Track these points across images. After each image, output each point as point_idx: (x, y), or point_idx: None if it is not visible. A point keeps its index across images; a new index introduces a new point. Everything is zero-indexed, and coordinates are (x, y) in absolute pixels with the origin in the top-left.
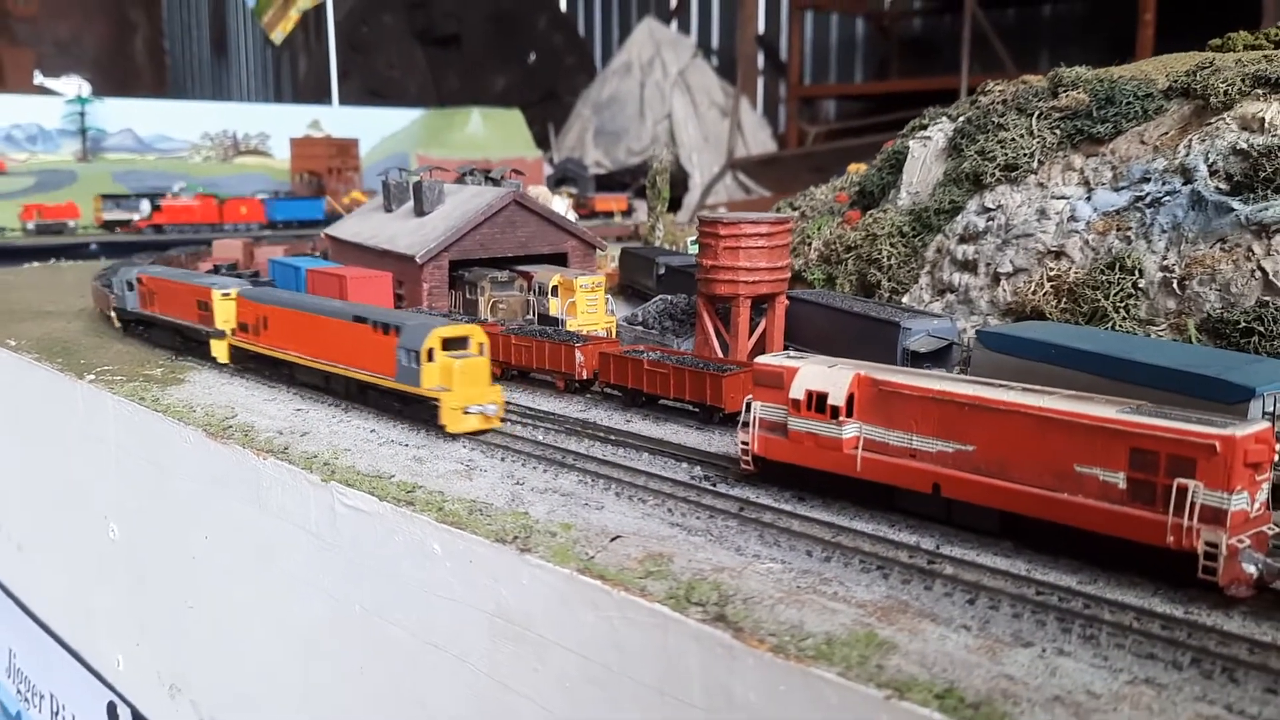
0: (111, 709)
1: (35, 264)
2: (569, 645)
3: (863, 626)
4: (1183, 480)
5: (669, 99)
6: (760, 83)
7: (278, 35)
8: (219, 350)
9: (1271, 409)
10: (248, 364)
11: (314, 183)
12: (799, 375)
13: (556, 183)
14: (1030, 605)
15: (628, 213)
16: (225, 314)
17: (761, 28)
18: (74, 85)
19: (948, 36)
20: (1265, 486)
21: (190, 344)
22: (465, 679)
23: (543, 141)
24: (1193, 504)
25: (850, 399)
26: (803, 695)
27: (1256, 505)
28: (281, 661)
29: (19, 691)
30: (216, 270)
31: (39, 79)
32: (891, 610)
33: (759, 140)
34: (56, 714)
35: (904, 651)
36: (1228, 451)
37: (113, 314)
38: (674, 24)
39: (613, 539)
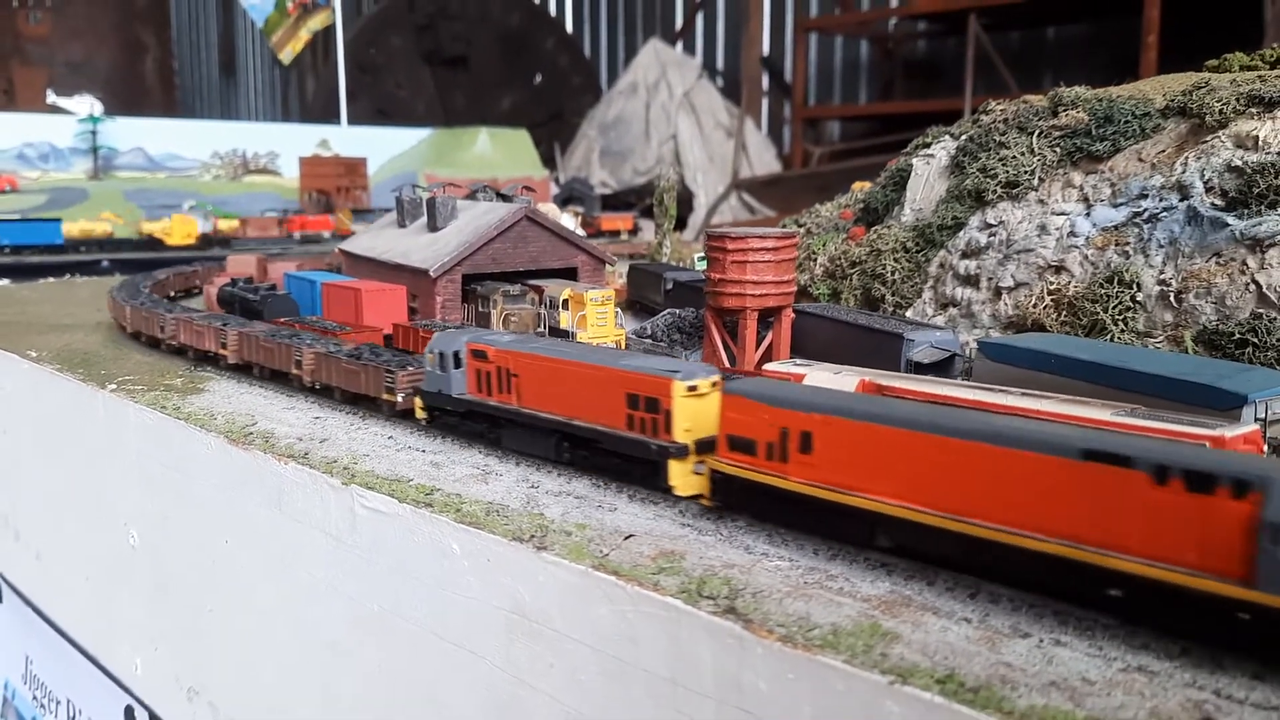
0: (129, 713)
1: (51, 279)
2: (584, 640)
3: (867, 619)
4: None
5: (674, 120)
6: (765, 104)
7: (286, 55)
8: (681, 478)
9: (1263, 415)
10: (744, 500)
11: (322, 201)
12: (806, 380)
13: (563, 202)
14: (1029, 599)
15: (634, 231)
16: (694, 418)
17: (766, 49)
18: (86, 104)
19: (952, 58)
20: None
21: (591, 457)
22: (482, 676)
23: (549, 161)
24: None
25: None
26: (810, 682)
27: None
28: (300, 662)
29: (35, 698)
30: (233, 284)
31: (51, 98)
32: (895, 604)
33: (764, 161)
34: (73, 719)
35: (907, 641)
36: None
37: (398, 396)
38: (679, 45)
39: (626, 538)
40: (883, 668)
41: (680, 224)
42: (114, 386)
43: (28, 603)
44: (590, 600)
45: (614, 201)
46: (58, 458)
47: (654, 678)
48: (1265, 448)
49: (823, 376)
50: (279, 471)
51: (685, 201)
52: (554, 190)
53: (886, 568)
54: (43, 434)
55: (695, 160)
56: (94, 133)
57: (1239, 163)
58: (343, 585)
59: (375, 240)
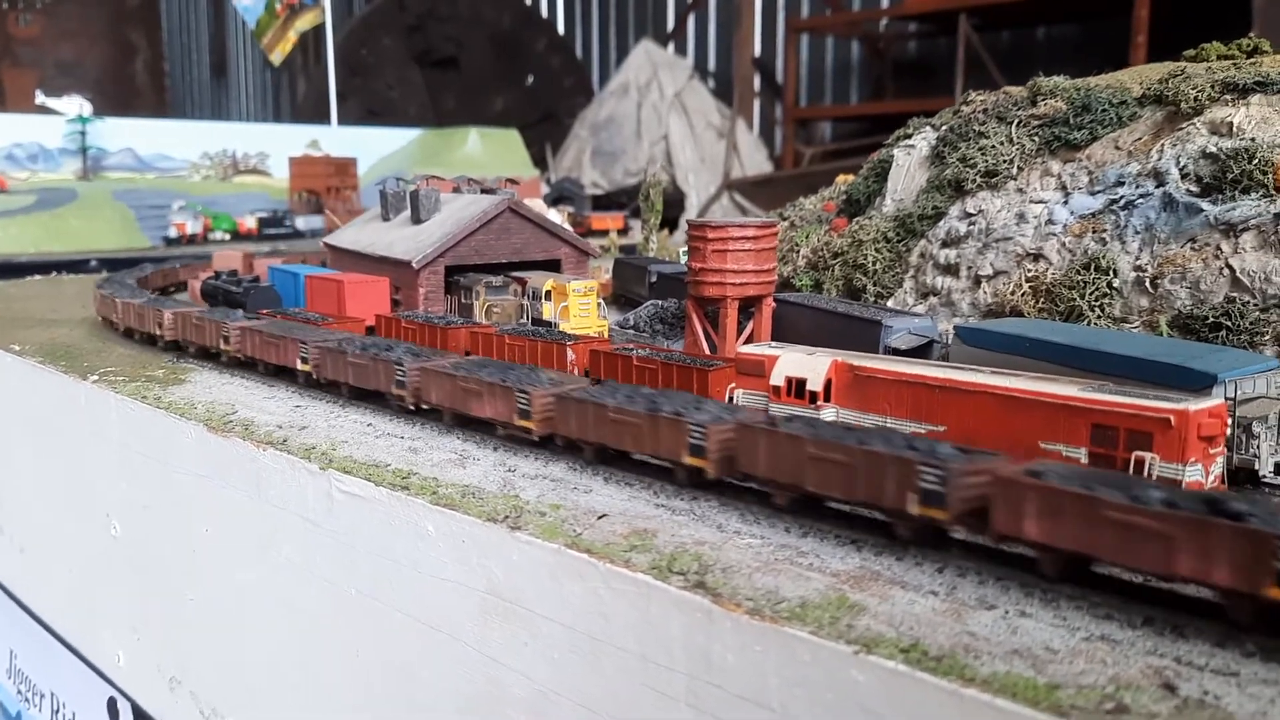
0: (112, 704)
1: (38, 277)
2: (557, 618)
3: (835, 592)
4: (1140, 453)
5: (666, 120)
6: (756, 104)
7: (276, 56)
8: None
9: (1233, 395)
10: None
11: (313, 201)
12: (779, 363)
13: (553, 201)
14: (995, 573)
15: (624, 231)
16: None
17: (758, 50)
18: (75, 105)
19: (942, 59)
20: (1219, 460)
21: None
22: (458, 656)
23: (540, 162)
24: (1150, 475)
25: (828, 384)
26: (777, 653)
27: (1211, 477)
28: (279, 648)
29: (19, 692)
30: (217, 277)
31: (40, 99)
32: (863, 578)
33: (755, 161)
34: (57, 712)
35: (873, 613)
36: (1182, 425)
37: None
38: (671, 46)
39: (600, 517)
40: (848, 638)
41: (672, 225)
42: (96, 378)
43: (11, 597)
44: (563, 579)
45: (605, 202)
46: (40, 450)
47: (625, 653)
48: (1230, 423)
49: (797, 357)
50: (257, 458)
51: (677, 202)
52: (544, 190)
53: (856, 544)
54: (25, 427)
55: (687, 161)
56: (83, 133)
57: (1213, 149)
58: (321, 569)
59: (359, 233)
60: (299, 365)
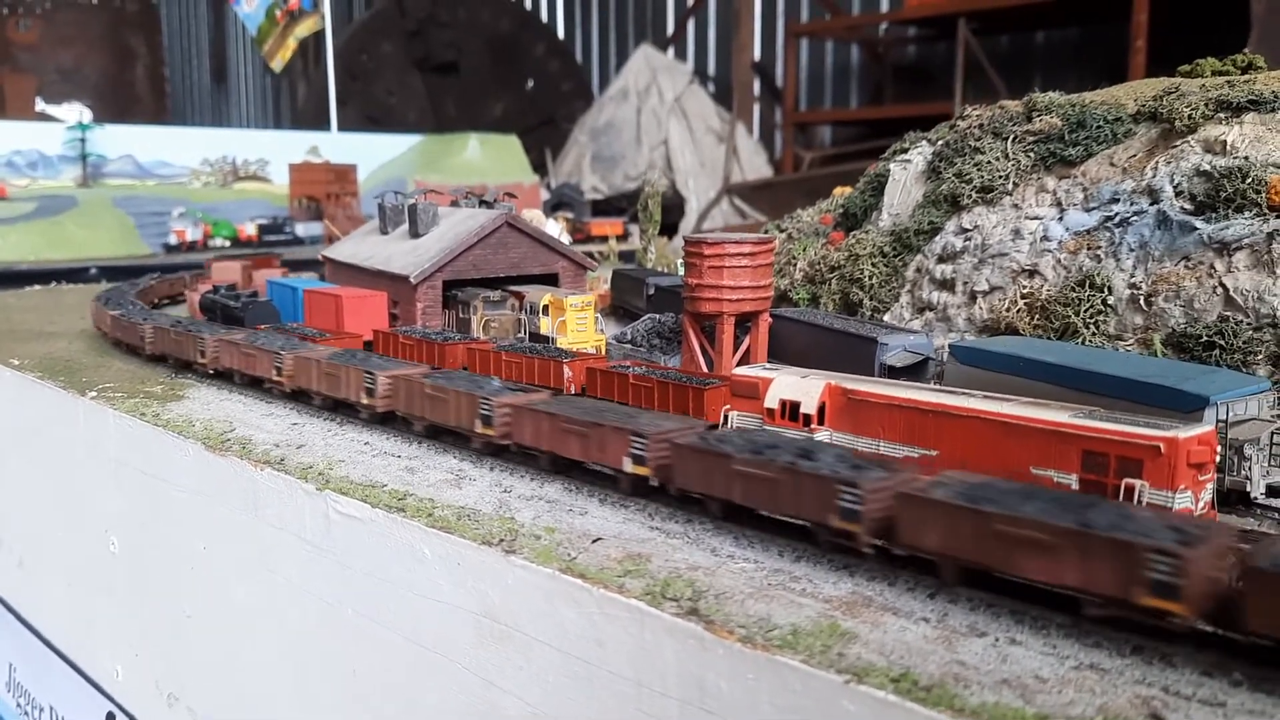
0: (110, 719)
1: (37, 287)
2: (551, 642)
3: (827, 619)
4: (1130, 480)
5: (665, 125)
6: (756, 109)
7: (277, 63)
8: None
9: (1225, 417)
10: None
11: (313, 208)
12: (773, 385)
13: (553, 207)
14: (987, 599)
15: (623, 237)
16: None
17: (757, 54)
18: (75, 112)
19: (942, 63)
20: (1209, 486)
21: None
22: (453, 678)
23: (540, 167)
24: (1139, 503)
25: (822, 407)
26: (769, 682)
27: (1201, 504)
28: (276, 666)
29: (19, 705)
30: (215, 291)
31: (40, 105)
32: (856, 604)
33: (755, 165)
34: None
35: (864, 641)
36: (1171, 452)
37: None
38: (670, 51)
39: (594, 541)
40: (839, 667)
41: (671, 229)
42: (94, 394)
43: (11, 610)
44: (558, 603)
45: (605, 207)
46: (39, 466)
47: (619, 679)
48: (1219, 449)
49: (791, 380)
50: (254, 477)
51: (677, 207)
52: (544, 196)
53: (849, 569)
54: (24, 442)
55: (686, 165)
56: (83, 140)
57: (1207, 167)
58: (317, 589)
59: (358, 247)
60: (628, 467)
